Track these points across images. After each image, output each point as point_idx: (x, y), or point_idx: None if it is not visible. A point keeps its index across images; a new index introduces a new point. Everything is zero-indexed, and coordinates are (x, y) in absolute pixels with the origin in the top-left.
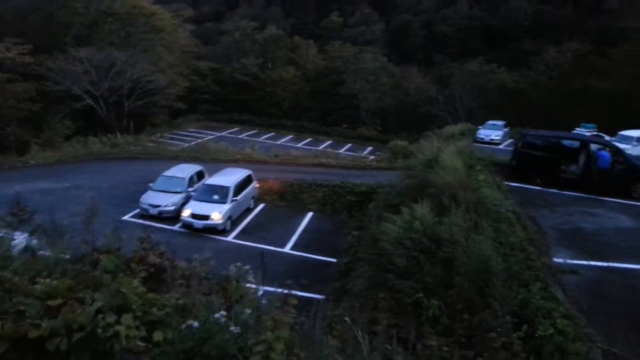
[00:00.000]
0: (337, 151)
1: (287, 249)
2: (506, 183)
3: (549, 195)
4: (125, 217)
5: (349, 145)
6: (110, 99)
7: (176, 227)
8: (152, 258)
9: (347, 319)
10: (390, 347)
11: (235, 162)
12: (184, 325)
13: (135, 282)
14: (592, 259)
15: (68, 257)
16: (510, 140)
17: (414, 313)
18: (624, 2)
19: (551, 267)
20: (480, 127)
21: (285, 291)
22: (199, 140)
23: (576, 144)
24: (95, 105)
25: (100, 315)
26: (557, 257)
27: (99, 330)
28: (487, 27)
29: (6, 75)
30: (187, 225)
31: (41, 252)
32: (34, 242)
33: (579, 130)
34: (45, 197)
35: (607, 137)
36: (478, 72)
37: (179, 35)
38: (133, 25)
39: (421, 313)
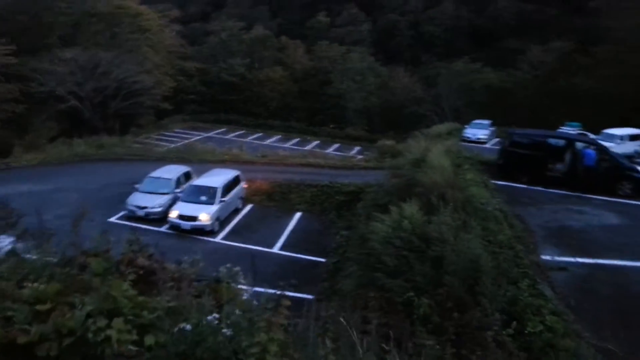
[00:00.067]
0: (325, 151)
1: (275, 249)
2: (493, 182)
3: (535, 193)
4: (112, 219)
5: (337, 145)
6: (95, 99)
7: (163, 229)
8: (141, 260)
9: (342, 319)
10: (386, 348)
11: (223, 162)
12: (176, 329)
13: (125, 285)
14: (579, 256)
15: (55, 260)
16: (497, 139)
17: (404, 312)
18: (607, 2)
19: (539, 264)
20: (466, 126)
21: (278, 292)
22: (186, 141)
23: (562, 142)
24: (80, 106)
25: (90, 320)
26: (545, 255)
27: (90, 335)
28: (474, 26)
29: None
30: (174, 227)
31: (27, 256)
32: (20, 245)
33: (564, 129)
34: (29, 199)
35: (591, 136)
36: (464, 71)
37: (165, 36)
38: (119, 26)
39: (412, 312)
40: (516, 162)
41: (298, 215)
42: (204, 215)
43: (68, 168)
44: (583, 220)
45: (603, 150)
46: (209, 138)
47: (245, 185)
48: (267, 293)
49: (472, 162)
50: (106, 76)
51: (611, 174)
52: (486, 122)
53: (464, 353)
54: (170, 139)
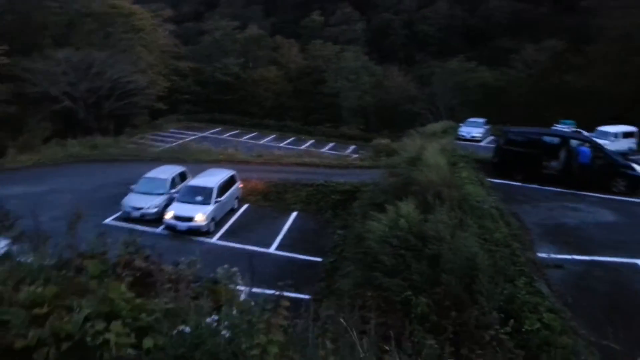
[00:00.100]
0: (320, 150)
1: (272, 249)
2: (488, 179)
3: (530, 191)
4: (107, 221)
5: (332, 144)
6: (89, 100)
7: (159, 230)
8: (138, 262)
9: (342, 319)
10: (387, 348)
11: (218, 162)
12: (175, 331)
13: (123, 287)
14: (575, 254)
15: (52, 263)
16: (491, 137)
17: (402, 311)
18: (599, 1)
19: (535, 262)
20: (461, 124)
21: (277, 293)
22: (181, 141)
23: (557, 140)
24: (74, 107)
25: (88, 323)
26: (541, 252)
27: (88, 339)
28: (467, 26)
29: None
30: (170, 228)
31: (23, 259)
32: (15, 248)
33: (558, 127)
34: (23, 201)
35: (585, 133)
36: (458, 70)
37: (159, 35)
38: (112, 25)
39: (409, 311)
40: (511, 160)
41: (294, 214)
42: (200, 215)
43: (62, 169)
44: (578, 217)
45: (597, 147)
46: (204, 138)
47: (241, 185)
48: (264, 294)
49: (467, 160)
50: (100, 76)
51: (605, 171)
52: (481, 120)
53: (463, 352)
54: (164, 139)
